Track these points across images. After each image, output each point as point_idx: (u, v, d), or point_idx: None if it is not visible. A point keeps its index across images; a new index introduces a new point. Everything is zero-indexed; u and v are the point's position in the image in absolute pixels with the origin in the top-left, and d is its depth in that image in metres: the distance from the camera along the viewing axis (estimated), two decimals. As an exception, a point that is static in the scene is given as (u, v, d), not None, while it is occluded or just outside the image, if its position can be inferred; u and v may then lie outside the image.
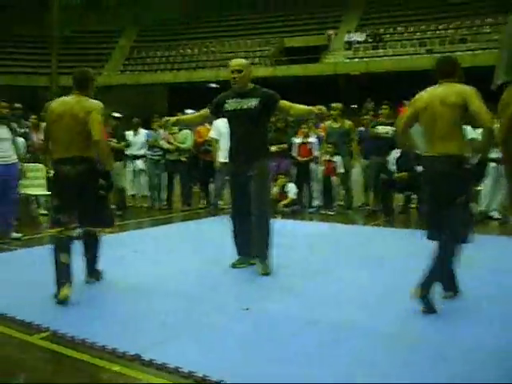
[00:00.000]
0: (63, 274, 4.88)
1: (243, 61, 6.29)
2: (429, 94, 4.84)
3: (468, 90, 4.70)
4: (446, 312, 4.64)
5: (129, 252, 7.11)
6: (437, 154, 4.71)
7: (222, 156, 10.13)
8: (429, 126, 4.78)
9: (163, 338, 4.01)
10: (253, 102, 5.90)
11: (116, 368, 3.53)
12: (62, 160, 5.11)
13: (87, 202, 5.15)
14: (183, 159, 11.48)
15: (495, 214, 9.88)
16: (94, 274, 5.55)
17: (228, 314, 4.60)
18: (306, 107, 6.04)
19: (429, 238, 4.94)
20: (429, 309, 4.56)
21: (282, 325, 4.34)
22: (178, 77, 34.60)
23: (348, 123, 11.07)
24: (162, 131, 11.69)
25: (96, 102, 5.21)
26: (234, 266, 6.26)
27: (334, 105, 11.11)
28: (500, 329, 4.23)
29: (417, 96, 4.97)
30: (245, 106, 5.92)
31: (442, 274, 4.82)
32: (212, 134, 10.41)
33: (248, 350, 3.80)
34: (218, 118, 6.90)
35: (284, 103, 6.05)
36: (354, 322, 4.40)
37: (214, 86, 33.47)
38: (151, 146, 11.83)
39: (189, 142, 11.53)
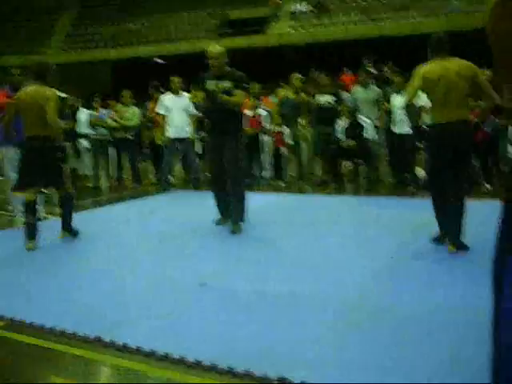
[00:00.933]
0: (30, 231, 6.26)
1: (219, 48, 6.98)
2: (441, 67, 5.37)
3: (474, 65, 5.43)
4: (404, 275, 4.77)
5: (81, 233, 7.04)
6: (452, 120, 5.33)
7: (171, 132, 10.10)
8: (442, 95, 5.35)
9: (123, 319, 4.00)
10: (226, 84, 6.67)
11: (77, 352, 3.52)
12: (31, 137, 6.38)
13: (49, 169, 6.38)
14: (130, 137, 11.38)
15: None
16: (67, 230, 6.73)
17: (185, 290, 4.62)
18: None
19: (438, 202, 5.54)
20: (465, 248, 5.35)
21: (240, 297, 4.38)
22: (122, 53, 33.98)
23: (303, 95, 11.08)
24: (107, 110, 11.62)
25: (52, 90, 6.39)
26: (217, 223, 7.16)
27: (295, 76, 11.13)
28: (464, 289, 4.36)
29: (426, 68, 5.47)
30: (220, 87, 6.67)
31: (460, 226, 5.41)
32: (159, 110, 10.31)
33: (207, 325, 3.82)
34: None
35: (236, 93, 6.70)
36: (311, 290, 4.48)
37: (159, 61, 33.05)
38: (93, 125, 11.68)
39: (136, 119, 11.43)
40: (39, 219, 6.90)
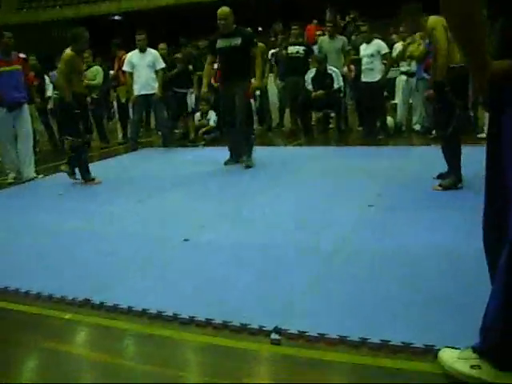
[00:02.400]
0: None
1: (227, 10, 7.77)
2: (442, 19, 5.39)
3: None
4: (378, 224, 4.82)
5: (54, 195, 6.98)
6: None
7: (137, 89, 9.95)
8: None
9: (110, 280, 3.95)
10: (237, 40, 7.69)
11: (67, 316, 3.47)
12: None
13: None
14: (94, 96, 11.18)
15: (417, 127, 10.12)
16: (85, 176, 7.56)
17: (170, 247, 4.60)
18: (257, 71, 8.05)
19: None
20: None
21: (224, 252, 4.38)
22: (79, 11, 33.17)
23: (260, 45, 10.93)
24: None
25: (65, 54, 7.28)
26: (225, 163, 8.10)
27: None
28: (435, 233, 4.43)
29: (440, 21, 5.52)
30: (232, 43, 7.70)
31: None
32: (125, 68, 10.13)
33: (196, 281, 3.81)
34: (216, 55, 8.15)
35: (256, 51, 7.98)
36: (289, 243, 4.49)
37: (117, 18, 32.38)
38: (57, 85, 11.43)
39: (99, 78, 11.23)
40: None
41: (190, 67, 11.26)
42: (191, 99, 11.37)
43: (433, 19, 5.72)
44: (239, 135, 7.97)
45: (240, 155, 8.09)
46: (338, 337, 2.93)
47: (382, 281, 3.59)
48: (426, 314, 3.08)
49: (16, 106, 8.05)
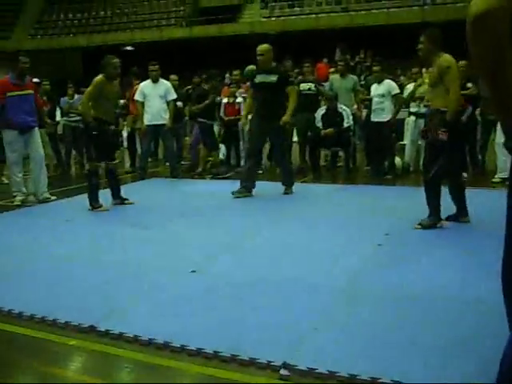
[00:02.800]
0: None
1: (266, 46, 8.16)
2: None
3: None
4: (384, 261, 4.78)
5: (61, 221, 6.94)
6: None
7: (147, 119, 9.99)
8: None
9: (116, 307, 3.91)
10: (274, 77, 8.01)
11: (72, 342, 3.43)
12: None
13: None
14: None
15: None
16: (92, 202, 7.54)
17: (177, 278, 4.56)
18: (291, 107, 8.21)
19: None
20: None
21: (231, 285, 4.33)
22: (92, 40, 33.52)
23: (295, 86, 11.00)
24: (80, 95, 11.46)
25: (93, 80, 7.44)
26: (233, 193, 8.14)
27: (249, 67, 11.07)
28: (441, 271, 4.40)
29: (454, 61, 5.77)
30: (268, 80, 8.02)
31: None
32: (137, 97, 10.18)
33: (203, 313, 3.76)
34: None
35: (290, 90, 8.30)
36: (299, 278, 4.45)
37: (129, 48, 32.69)
38: (67, 111, 11.49)
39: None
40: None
41: (218, 98, 11.23)
42: (217, 130, 11.31)
43: (448, 57, 5.76)
44: (281, 166, 8.63)
45: (249, 188, 8.25)
46: (348, 375, 2.87)
47: (393, 320, 3.54)
48: (436, 355, 3.03)
49: (27, 130, 8.10)
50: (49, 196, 8.45)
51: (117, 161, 7.97)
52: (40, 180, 8.37)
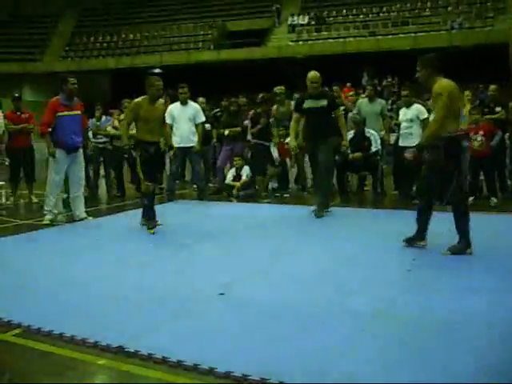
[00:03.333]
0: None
1: (318, 74, 8.41)
2: (454, 85, 5.86)
3: None
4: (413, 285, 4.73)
5: (90, 241, 6.99)
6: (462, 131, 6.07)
7: (176, 141, 10.03)
8: (458, 109, 5.99)
9: (145, 329, 3.93)
10: (324, 102, 8.32)
11: (101, 361, 3.44)
12: None
13: None
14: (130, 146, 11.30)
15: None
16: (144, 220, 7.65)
17: (204, 300, 4.55)
18: (343, 131, 8.67)
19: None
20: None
21: (258, 308, 4.32)
22: (121, 62, 33.99)
23: (288, 103, 10.97)
24: (108, 117, 11.66)
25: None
26: (315, 214, 8.30)
27: (277, 88, 11.08)
28: (472, 296, 4.31)
29: (451, 87, 5.83)
30: (319, 105, 8.32)
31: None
32: (166, 120, 10.23)
33: (232, 336, 3.75)
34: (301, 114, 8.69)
35: (337, 112, 8.62)
36: (328, 303, 4.42)
37: (157, 71, 33.02)
38: (95, 133, 11.61)
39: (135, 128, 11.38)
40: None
41: (271, 120, 11.20)
42: (275, 152, 11.29)
43: (443, 83, 5.82)
44: (319, 185, 8.59)
45: (326, 205, 8.55)
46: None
47: (425, 347, 3.50)
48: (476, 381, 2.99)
49: (74, 150, 8.29)
50: (86, 216, 8.56)
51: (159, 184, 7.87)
52: (79, 200, 8.52)
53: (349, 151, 10.18)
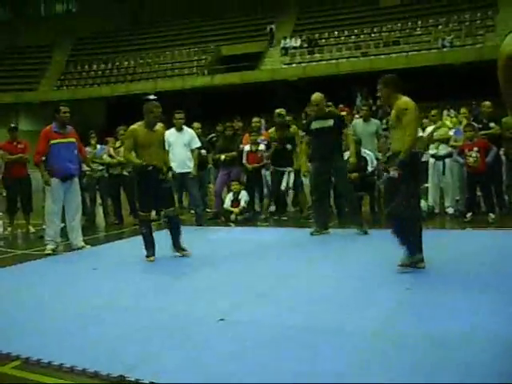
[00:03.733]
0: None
1: (319, 96, 8.59)
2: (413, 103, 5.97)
3: None
4: (415, 304, 4.71)
5: (88, 269, 6.96)
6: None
7: (173, 166, 10.03)
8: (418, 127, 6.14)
9: (145, 357, 3.89)
10: (330, 122, 8.47)
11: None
12: None
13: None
14: (125, 173, 11.34)
15: (450, 210, 10.12)
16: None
17: (206, 326, 4.52)
18: (353, 150, 8.91)
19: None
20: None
21: (260, 333, 4.29)
22: (115, 90, 34.16)
23: (292, 127, 10.95)
24: (103, 146, 11.71)
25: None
26: (311, 234, 8.57)
27: (277, 111, 11.08)
28: (477, 316, 4.27)
29: (414, 103, 5.94)
30: (326, 125, 8.47)
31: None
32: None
33: (233, 364, 3.71)
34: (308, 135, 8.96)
35: (347, 132, 8.92)
36: (330, 325, 4.40)
37: (152, 97, 33.03)
38: (90, 161, 11.59)
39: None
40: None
41: (289, 146, 11.14)
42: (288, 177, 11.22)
43: (407, 99, 5.96)
44: (347, 205, 8.91)
45: (326, 226, 8.73)
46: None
47: (429, 366, 3.47)
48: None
49: (69, 178, 8.30)
50: (83, 244, 8.56)
51: (172, 208, 7.65)
52: (75, 229, 8.52)
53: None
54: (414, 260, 5.95)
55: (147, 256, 7.37)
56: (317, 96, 8.61)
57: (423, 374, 3.38)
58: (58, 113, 8.33)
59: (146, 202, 7.47)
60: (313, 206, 9.09)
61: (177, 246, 7.59)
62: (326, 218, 8.91)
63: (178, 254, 7.54)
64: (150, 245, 7.45)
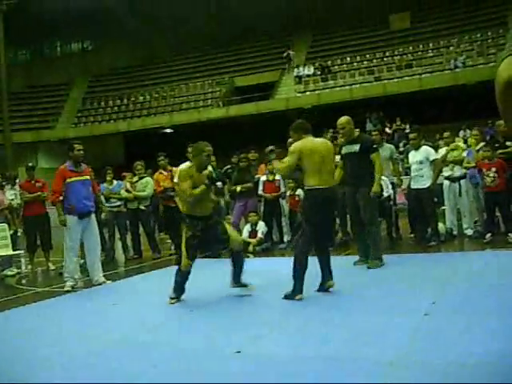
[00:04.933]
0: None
1: (345, 119, 8.39)
2: (311, 143, 6.57)
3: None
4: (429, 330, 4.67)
5: (107, 305, 7.00)
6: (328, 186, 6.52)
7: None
8: (318, 165, 6.43)
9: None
10: (356, 147, 8.24)
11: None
12: None
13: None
14: (142, 207, 11.42)
15: (469, 232, 10.05)
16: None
17: (222, 360, 4.52)
18: (378, 176, 8.25)
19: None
20: None
21: (277, 365, 4.27)
22: (132, 125, 34.48)
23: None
24: (119, 182, 11.83)
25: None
26: (355, 264, 8.40)
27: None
28: (494, 340, 4.24)
29: (305, 146, 6.48)
30: (352, 150, 8.30)
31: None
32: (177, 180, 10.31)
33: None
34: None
35: (374, 157, 8.25)
36: (347, 354, 4.38)
37: (168, 131, 33.46)
38: (107, 197, 11.70)
39: (149, 189, 11.49)
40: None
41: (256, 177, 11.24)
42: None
43: (298, 143, 6.56)
44: (367, 235, 8.26)
45: (368, 254, 8.28)
46: None
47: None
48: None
49: (86, 215, 8.35)
50: (104, 280, 8.59)
51: (238, 243, 7.08)
52: (95, 265, 8.57)
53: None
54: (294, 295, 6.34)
55: (172, 298, 6.82)
56: (342, 119, 8.41)
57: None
58: (71, 150, 8.40)
59: (194, 253, 6.89)
60: (356, 235, 8.88)
61: (237, 281, 7.05)
62: (365, 245, 8.34)
63: (237, 288, 7.04)
64: (180, 291, 6.87)
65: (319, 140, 6.96)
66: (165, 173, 11.47)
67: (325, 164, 6.51)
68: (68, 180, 8.27)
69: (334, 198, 6.84)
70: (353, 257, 9.10)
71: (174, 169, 10.97)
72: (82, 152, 8.44)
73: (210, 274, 8.76)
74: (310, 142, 6.58)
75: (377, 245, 8.27)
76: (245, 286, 7.04)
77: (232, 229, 7.48)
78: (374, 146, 8.54)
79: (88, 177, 8.53)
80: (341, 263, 8.47)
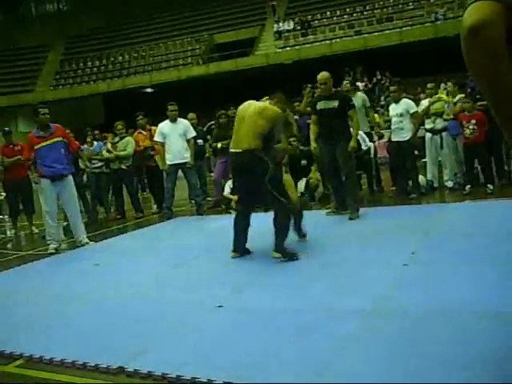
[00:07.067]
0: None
1: (326, 74, 8.42)
2: (242, 106, 6.40)
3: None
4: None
5: (90, 265, 7.02)
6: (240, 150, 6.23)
7: (169, 158, 10.08)
8: (236, 127, 6.31)
9: (144, 347, 3.93)
10: (335, 103, 8.28)
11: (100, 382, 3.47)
12: None
13: None
14: (124, 167, 11.37)
15: (449, 184, 10.13)
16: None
17: (204, 314, 4.57)
18: (355, 132, 8.42)
19: None
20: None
21: (259, 318, 4.31)
22: (112, 85, 34.12)
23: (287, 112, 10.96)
24: (100, 143, 11.78)
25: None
26: (328, 214, 8.69)
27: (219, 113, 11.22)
28: (473, 289, 4.29)
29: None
30: (330, 106, 8.30)
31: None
32: (157, 138, 10.30)
33: (230, 349, 3.75)
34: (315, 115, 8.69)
35: (352, 113, 8.39)
36: (326, 305, 4.43)
37: (149, 90, 33.19)
38: (88, 158, 11.62)
39: (130, 148, 11.41)
40: None
41: None
42: None
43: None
44: (345, 189, 8.41)
45: (345, 207, 8.47)
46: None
47: (426, 341, 3.49)
48: (473, 377, 2.97)
49: (59, 178, 8.30)
50: (87, 241, 8.65)
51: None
52: (78, 226, 8.63)
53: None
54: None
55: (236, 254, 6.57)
56: (323, 74, 8.40)
57: (415, 348, 3.41)
58: (36, 115, 8.32)
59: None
60: (329, 185, 9.17)
61: (298, 232, 6.98)
62: (342, 197, 8.50)
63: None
64: (239, 241, 6.59)
65: (255, 103, 6.44)
66: (144, 132, 11.44)
67: (240, 127, 6.20)
68: (36, 147, 8.26)
69: (244, 163, 6.19)
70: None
71: (154, 128, 10.96)
72: (47, 116, 8.35)
73: (191, 232, 8.82)
74: (245, 104, 6.41)
75: (356, 197, 8.54)
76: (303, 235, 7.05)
77: None
78: (351, 102, 8.55)
79: (58, 139, 8.41)
80: (321, 217, 8.57)
